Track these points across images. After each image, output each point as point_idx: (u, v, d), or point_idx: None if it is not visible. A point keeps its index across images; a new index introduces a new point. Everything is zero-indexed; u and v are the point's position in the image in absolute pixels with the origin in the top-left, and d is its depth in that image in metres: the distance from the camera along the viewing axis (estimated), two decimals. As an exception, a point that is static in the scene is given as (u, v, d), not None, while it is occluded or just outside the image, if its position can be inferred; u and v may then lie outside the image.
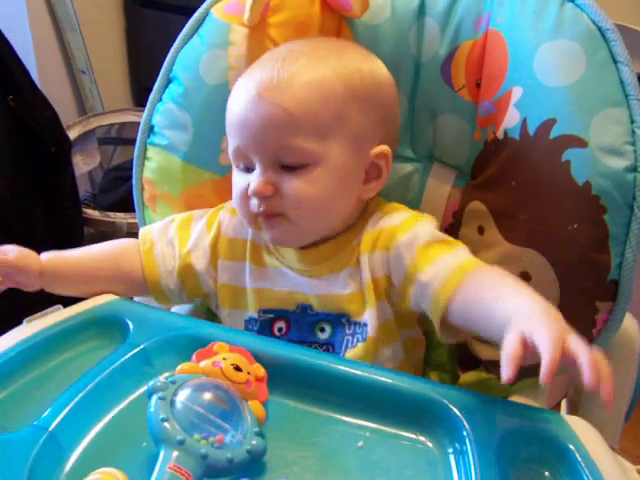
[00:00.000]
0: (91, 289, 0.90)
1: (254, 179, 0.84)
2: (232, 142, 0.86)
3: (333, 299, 0.88)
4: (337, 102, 0.83)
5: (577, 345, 0.61)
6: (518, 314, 0.67)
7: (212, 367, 0.73)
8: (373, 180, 0.88)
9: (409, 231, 0.85)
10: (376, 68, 0.89)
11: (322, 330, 0.90)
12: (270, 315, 0.91)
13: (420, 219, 0.88)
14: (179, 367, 0.73)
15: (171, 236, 0.95)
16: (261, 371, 0.77)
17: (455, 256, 0.82)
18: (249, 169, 0.85)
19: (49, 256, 0.92)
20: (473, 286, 0.77)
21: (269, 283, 0.91)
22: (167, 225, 0.97)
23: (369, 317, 0.87)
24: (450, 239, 0.86)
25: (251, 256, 0.93)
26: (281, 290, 0.91)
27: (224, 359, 0.74)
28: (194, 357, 0.75)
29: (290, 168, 0.83)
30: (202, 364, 0.73)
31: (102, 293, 0.89)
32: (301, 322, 0.90)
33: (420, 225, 0.86)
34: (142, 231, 0.98)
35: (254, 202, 0.85)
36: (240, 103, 0.84)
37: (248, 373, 0.74)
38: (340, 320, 0.89)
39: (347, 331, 0.89)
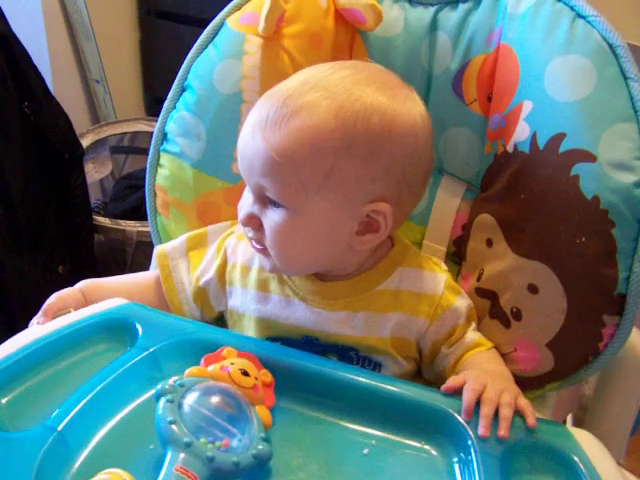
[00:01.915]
0: None
1: (244, 208, 0.84)
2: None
3: (341, 338, 0.88)
4: (328, 155, 0.77)
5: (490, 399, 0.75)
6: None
7: (220, 371, 0.73)
8: (370, 232, 0.83)
9: (452, 306, 0.89)
10: (394, 111, 0.79)
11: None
12: (277, 342, 0.91)
13: (457, 291, 0.91)
14: (187, 371, 0.73)
15: (187, 258, 0.97)
16: (269, 377, 0.77)
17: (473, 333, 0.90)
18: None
19: (88, 285, 0.95)
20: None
21: (274, 313, 0.90)
22: (182, 245, 0.98)
23: (390, 361, 0.89)
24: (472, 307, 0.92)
25: (257, 283, 0.92)
26: (286, 323, 0.90)
27: (232, 364, 0.75)
28: (203, 361, 0.76)
29: (274, 203, 0.81)
30: (210, 368, 0.74)
31: None
32: (308, 350, 0.88)
33: (459, 300, 0.90)
34: (158, 255, 0.98)
35: (245, 227, 0.85)
36: (244, 130, 0.83)
37: (256, 378, 0.75)
38: (348, 353, 0.89)
39: (355, 364, 0.89)
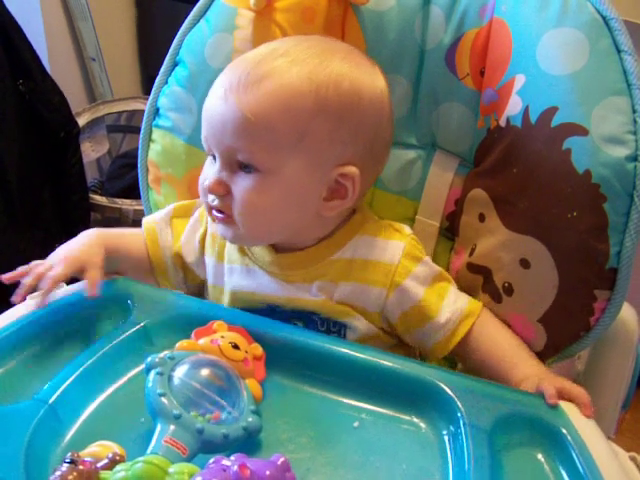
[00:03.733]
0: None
1: (211, 174, 0.83)
2: (202, 131, 0.85)
3: (300, 302, 0.88)
4: (301, 117, 0.79)
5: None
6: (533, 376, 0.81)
7: (210, 345, 0.74)
8: (337, 198, 0.84)
9: (411, 274, 0.87)
10: (362, 79, 0.83)
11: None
12: None
13: (418, 258, 0.88)
14: (178, 344, 0.74)
15: (172, 226, 0.97)
16: (259, 350, 0.77)
17: (458, 298, 0.89)
18: (215, 159, 0.85)
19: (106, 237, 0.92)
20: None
21: (239, 284, 0.91)
22: (168, 213, 0.98)
23: (355, 322, 0.88)
24: (443, 273, 0.90)
25: (228, 255, 0.93)
26: (248, 292, 0.90)
27: (222, 337, 0.75)
28: (193, 335, 0.76)
29: (245, 167, 0.81)
30: (201, 341, 0.74)
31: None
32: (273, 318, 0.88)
33: (419, 267, 0.88)
34: (145, 221, 0.99)
35: (210, 196, 0.85)
36: (211, 95, 0.83)
37: (246, 352, 0.75)
38: (311, 317, 0.89)
39: (320, 327, 0.89)
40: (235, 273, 0.92)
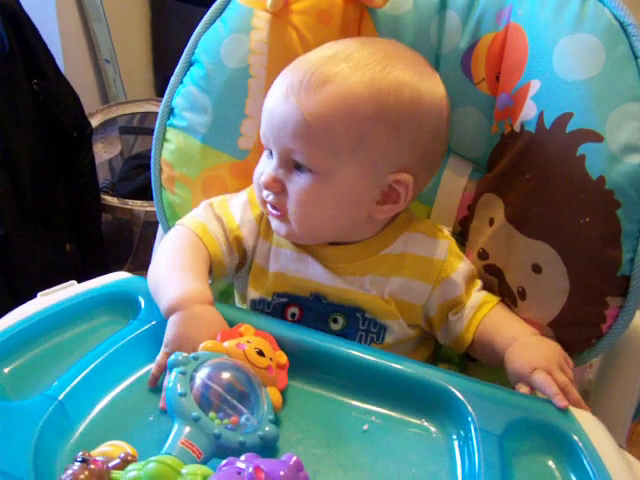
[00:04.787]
0: None
1: (267, 170, 0.84)
2: (261, 127, 0.86)
3: (349, 294, 0.89)
4: (360, 122, 0.80)
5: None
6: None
7: (236, 348, 0.73)
8: (389, 203, 0.86)
9: (456, 270, 0.91)
10: (423, 88, 0.83)
11: (335, 321, 0.90)
12: (284, 299, 0.91)
13: (460, 256, 0.93)
14: (203, 344, 0.73)
15: (217, 213, 0.93)
16: (283, 358, 0.77)
17: (480, 290, 0.93)
18: (272, 155, 0.85)
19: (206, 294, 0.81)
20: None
21: (286, 267, 0.91)
22: (208, 206, 0.94)
23: (395, 325, 0.90)
24: (475, 270, 0.94)
25: (275, 237, 0.92)
26: (295, 276, 0.91)
27: (248, 342, 0.74)
28: (219, 336, 0.75)
29: (301, 167, 0.82)
30: (226, 344, 0.73)
31: None
32: (314, 310, 0.90)
33: (462, 264, 0.92)
34: (183, 221, 0.93)
35: (265, 191, 0.86)
36: (273, 94, 0.84)
37: (270, 359, 0.74)
38: (354, 314, 0.90)
39: (361, 326, 0.90)
40: (283, 256, 0.91)
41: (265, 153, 0.88)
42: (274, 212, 0.86)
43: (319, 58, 0.82)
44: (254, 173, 0.89)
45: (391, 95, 0.80)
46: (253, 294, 0.93)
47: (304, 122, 0.79)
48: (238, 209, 0.93)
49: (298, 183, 0.82)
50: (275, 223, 0.88)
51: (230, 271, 0.93)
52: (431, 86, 0.84)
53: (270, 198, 0.85)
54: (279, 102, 0.82)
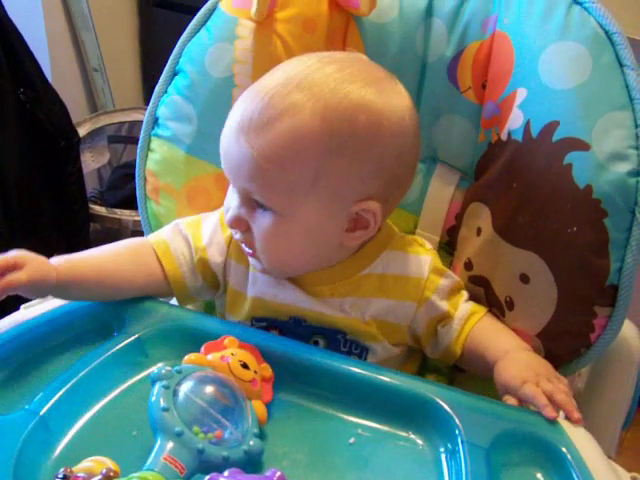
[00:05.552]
0: (106, 293, 0.84)
1: (231, 209, 0.82)
2: (222, 162, 0.83)
3: (328, 317, 0.88)
4: (314, 159, 0.76)
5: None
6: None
7: (220, 361, 0.72)
8: (360, 229, 0.83)
9: (438, 287, 0.89)
10: (382, 108, 0.78)
11: (316, 343, 0.89)
12: (262, 324, 0.90)
13: (442, 272, 0.90)
14: (186, 357, 0.72)
15: (184, 233, 0.92)
16: (268, 372, 0.76)
17: (467, 301, 0.91)
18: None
19: (62, 262, 0.81)
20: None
21: (263, 291, 0.89)
22: (176, 225, 0.93)
23: (379, 347, 0.88)
24: (460, 282, 0.92)
25: (248, 260, 0.90)
26: (273, 301, 0.89)
27: (233, 355, 0.73)
28: (203, 349, 0.74)
29: (262, 206, 0.80)
30: (210, 357, 0.73)
31: (117, 298, 0.84)
32: (295, 333, 0.88)
33: (442, 280, 0.89)
34: (151, 237, 0.93)
35: (232, 229, 0.85)
36: (226, 131, 0.81)
37: (255, 372, 0.73)
38: (335, 336, 0.88)
39: (342, 348, 0.88)
40: (260, 281, 0.89)
41: (231, 186, 0.85)
42: (246, 250, 0.85)
43: (271, 87, 0.78)
44: (224, 203, 0.86)
45: (345, 126, 0.76)
46: (231, 318, 0.92)
47: (256, 164, 0.76)
48: (208, 230, 0.92)
49: (261, 223, 0.80)
50: (250, 259, 0.87)
51: (196, 292, 0.92)
52: (392, 103, 0.79)
53: (238, 236, 0.84)
54: (232, 142, 0.79)
